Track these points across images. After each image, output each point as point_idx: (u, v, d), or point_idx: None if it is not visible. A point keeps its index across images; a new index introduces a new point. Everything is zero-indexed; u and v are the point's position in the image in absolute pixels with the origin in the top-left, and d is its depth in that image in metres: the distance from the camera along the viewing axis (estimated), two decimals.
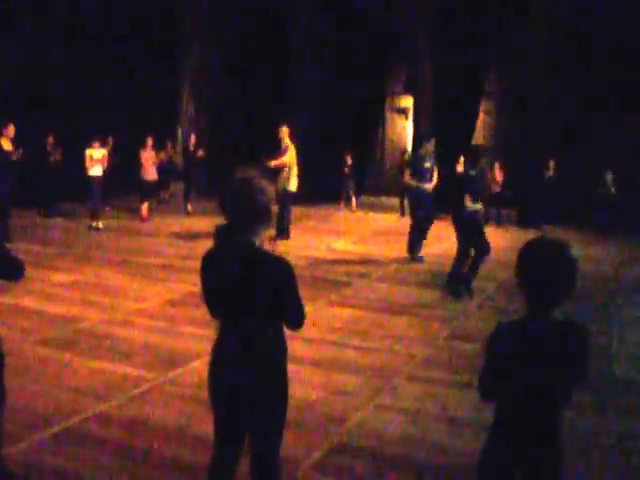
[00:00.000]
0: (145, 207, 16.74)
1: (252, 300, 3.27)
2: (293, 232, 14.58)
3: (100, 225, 14.81)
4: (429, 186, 12.06)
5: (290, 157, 13.89)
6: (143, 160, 16.78)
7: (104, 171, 15.19)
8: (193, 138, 19.26)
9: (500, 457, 3.08)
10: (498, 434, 3.07)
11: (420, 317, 8.56)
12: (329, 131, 21.73)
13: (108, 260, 11.43)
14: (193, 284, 9.02)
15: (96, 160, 14.98)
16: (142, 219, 16.53)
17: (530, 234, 15.88)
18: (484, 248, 9.80)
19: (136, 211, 16.97)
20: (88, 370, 6.30)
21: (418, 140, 11.22)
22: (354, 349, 7.20)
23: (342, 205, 21.16)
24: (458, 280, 9.88)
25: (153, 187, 17.64)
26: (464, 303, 9.34)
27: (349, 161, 20.78)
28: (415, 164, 11.78)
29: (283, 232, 14.07)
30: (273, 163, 13.64)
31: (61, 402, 5.54)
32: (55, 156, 16.85)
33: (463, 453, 4.85)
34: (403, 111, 24.77)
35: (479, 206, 9.90)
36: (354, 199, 21.08)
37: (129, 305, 8.62)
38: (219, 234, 3.31)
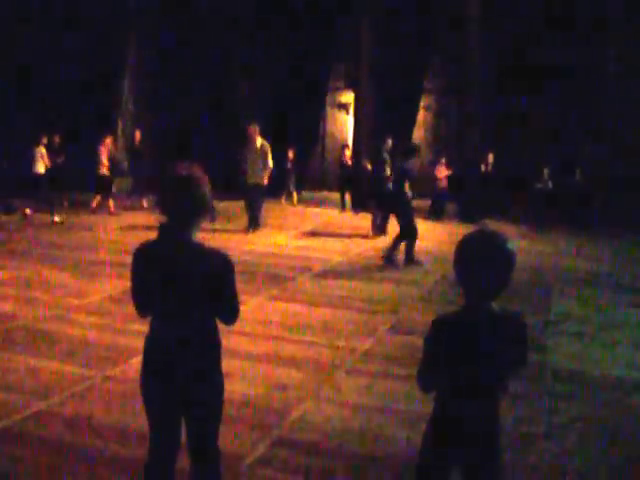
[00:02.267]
0: (111, 202, 16.99)
1: (190, 295, 3.27)
2: (232, 226, 14.73)
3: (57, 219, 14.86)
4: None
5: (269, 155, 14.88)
6: (102, 156, 16.81)
7: (46, 167, 15.18)
8: (138, 134, 19.26)
9: (439, 450, 3.12)
10: (436, 425, 3.12)
11: (361, 311, 8.62)
12: (271, 126, 21.70)
13: (47, 256, 11.26)
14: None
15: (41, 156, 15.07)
16: (110, 212, 16.78)
17: (470, 228, 16.17)
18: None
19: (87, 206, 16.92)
20: (26, 368, 6.20)
21: (405, 151, 11.91)
22: (295, 343, 7.22)
23: (283, 200, 21.17)
24: (412, 256, 11.68)
25: (108, 182, 17.52)
26: (405, 297, 9.43)
27: (291, 156, 20.79)
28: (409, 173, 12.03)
29: (254, 223, 14.84)
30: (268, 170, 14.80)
31: None
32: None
33: (404, 444, 4.91)
34: (344, 106, 24.88)
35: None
36: (295, 194, 21.12)
37: (68, 301, 8.51)
38: (163, 231, 3.30)
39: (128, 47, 22.41)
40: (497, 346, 2.97)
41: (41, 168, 15.28)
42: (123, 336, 7.20)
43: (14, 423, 5.08)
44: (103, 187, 16.92)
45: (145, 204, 18.36)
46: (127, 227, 14.76)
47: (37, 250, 11.77)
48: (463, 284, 3.00)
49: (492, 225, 16.26)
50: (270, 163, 14.85)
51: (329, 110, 25.35)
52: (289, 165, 20.82)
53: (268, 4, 22.58)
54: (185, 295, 3.27)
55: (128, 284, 9.21)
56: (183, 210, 3.25)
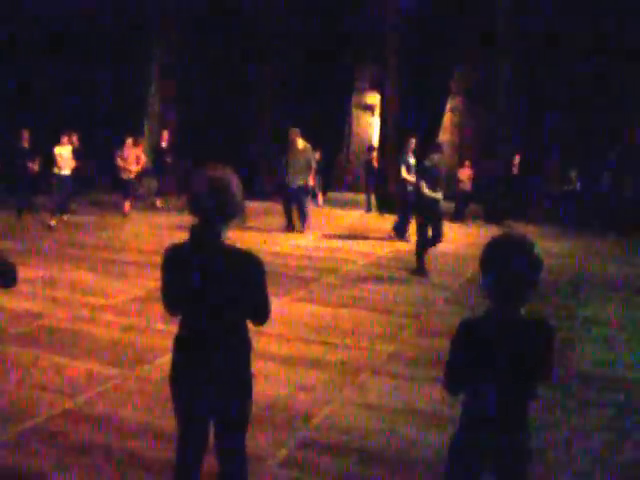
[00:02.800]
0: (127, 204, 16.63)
1: (221, 295, 3.27)
2: (261, 226, 14.80)
3: (53, 223, 14.29)
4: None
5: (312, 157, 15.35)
6: (122, 158, 16.60)
7: (72, 169, 15.03)
8: (165, 134, 19.19)
9: (468, 453, 3.11)
10: (466, 430, 3.10)
11: (386, 313, 8.61)
12: (296, 127, 21.74)
13: (73, 256, 11.34)
14: (158, 280, 8.98)
15: (65, 158, 14.82)
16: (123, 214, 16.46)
17: (494, 230, 16.07)
18: (438, 235, 11.00)
19: (116, 207, 16.86)
20: (53, 367, 6.25)
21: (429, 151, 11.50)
22: (320, 345, 7.22)
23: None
24: (422, 262, 11.03)
25: (133, 184, 17.40)
26: (430, 299, 9.41)
27: (317, 157, 20.76)
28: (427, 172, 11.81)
29: (302, 223, 15.20)
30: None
31: (26, 399, 5.50)
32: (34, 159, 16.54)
33: (430, 446, 4.90)
34: (369, 108, 24.86)
35: (439, 195, 10.99)
36: (321, 195, 21.10)
37: (95, 301, 8.56)
38: (194, 232, 3.32)
39: (154, 47, 22.48)
40: (524, 351, 2.95)
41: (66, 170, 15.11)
42: (148, 336, 7.24)
43: (42, 421, 5.12)
44: (127, 188, 16.85)
45: (159, 204, 18.41)
46: (150, 227, 14.82)
47: (62, 250, 11.84)
48: (489, 288, 2.98)
49: (516, 227, 16.19)
50: (313, 164, 15.26)
51: (354, 111, 25.35)
52: (315, 166, 20.77)
53: (293, 4, 22.63)
54: (216, 296, 3.28)
55: (153, 284, 9.32)
56: (214, 211, 3.26)
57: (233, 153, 18.54)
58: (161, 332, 7.16)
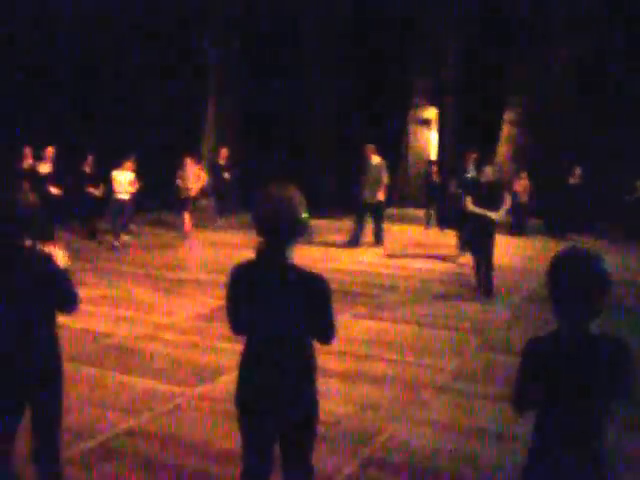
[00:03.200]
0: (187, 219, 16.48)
1: (288, 315, 3.27)
2: (321, 243, 14.82)
3: (116, 243, 14.51)
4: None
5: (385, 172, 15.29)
6: (183, 178, 16.41)
7: (132, 193, 15.23)
8: (224, 152, 19.11)
9: (543, 476, 3.01)
10: (538, 452, 3.01)
11: (449, 329, 8.51)
12: (353, 142, 21.79)
13: (135, 275, 11.48)
14: (221, 298, 9.03)
15: (124, 184, 15.00)
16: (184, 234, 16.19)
17: (555, 243, 15.81)
18: (485, 256, 10.42)
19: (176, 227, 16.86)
20: (117, 385, 6.32)
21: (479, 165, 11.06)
22: (382, 362, 7.16)
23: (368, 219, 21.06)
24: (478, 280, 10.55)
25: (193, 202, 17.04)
26: (494, 315, 9.27)
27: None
28: (469, 187, 11.58)
29: (379, 240, 15.36)
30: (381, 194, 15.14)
31: (91, 417, 5.56)
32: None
33: (495, 466, 4.81)
34: (427, 122, 24.74)
35: (489, 212, 10.29)
36: None
37: (157, 320, 8.64)
38: (260, 252, 3.31)
39: (211, 66, 22.70)
40: (596, 371, 2.85)
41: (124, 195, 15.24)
42: (211, 354, 7.27)
43: (107, 439, 5.17)
44: (186, 206, 16.70)
45: (219, 222, 18.43)
46: (211, 245, 14.92)
47: (125, 269, 12.00)
48: (558, 305, 2.90)
49: (579, 240, 15.89)
50: (385, 179, 15.20)
51: (411, 126, 25.23)
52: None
53: (351, 20, 22.71)
54: (283, 315, 3.27)
55: (214, 302, 9.35)
56: (281, 231, 3.26)
57: (293, 169, 18.57)
58: (224, 350, 7.18)
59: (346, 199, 18.09)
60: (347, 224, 19.28)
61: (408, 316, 9.11)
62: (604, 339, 2.88)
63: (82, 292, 9.71)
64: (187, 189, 16.34)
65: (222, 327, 7.77)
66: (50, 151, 14.75)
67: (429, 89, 23.75)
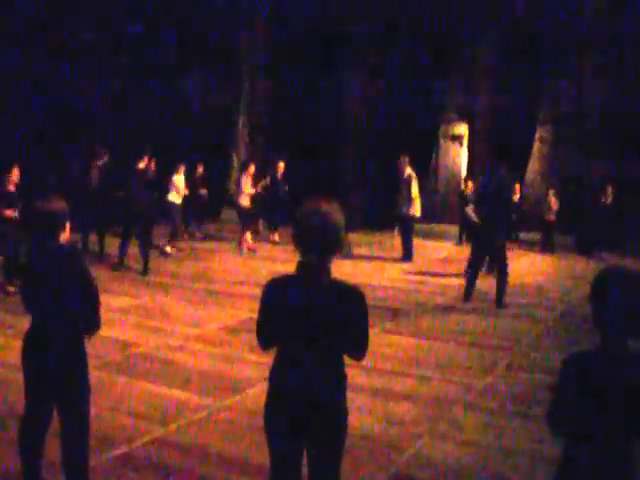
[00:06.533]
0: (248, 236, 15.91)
1: (324, 330, 3.27)
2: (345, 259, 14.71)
3: (168, 249, 14.84)
4: None
5: (414, 186, 15.11)
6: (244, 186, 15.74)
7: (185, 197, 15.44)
8: (281, 166, 17.91)
9: None
10: (568, 471, 2.98)
11: (478, 346, 8.45)
12: (384, 158, 21.79)
13: (164, 284, 11.54)
14: (249, 310, 9.05)
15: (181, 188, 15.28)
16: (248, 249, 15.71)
17: (585, 261, 15.69)
18: (495, 262, 11.10)
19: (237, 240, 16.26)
20: (146, 395, 6.34)
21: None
22: (410, 378, 7.13)
23: (396, 232, 21.01)
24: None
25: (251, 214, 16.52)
26: (523, 333, 9.20)
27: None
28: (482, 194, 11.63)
29: (409, 255, 15.35)
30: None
31: (119, 426, 5.58)
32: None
33: None
34: (457, 138, 24.67)
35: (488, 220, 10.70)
36: None
37: (186, 330, 8.67)
38: (302, 267, 3.32)
39: (242, 79, 22.83)
40: (632, 391, 2.81)
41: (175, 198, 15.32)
42: (239, 366, 7.28)
43: (135, 448, 5.19)
44: (247, 219, 15.94)
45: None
46: (245, 258, 14.95)
47: (154, 279, 12.06)
48: (600, 325, 2.88)
49: (610, 259, 15.75)
50: (413, 193, 14.99)
51: (442, 142, 25.18)
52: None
53: (380, 34, 22.74)
54: (318, 330, 3.27)
55: (244, 314, 9.34)
56: (322, 247, 3.27)
57: (326, 184, 18.53)
58: (252, 363, 7.20)
59: (377, 213, 18.04)
60: (377, 237, 19.28)
61: (436, 332, 9.06)
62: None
63: (111, 301, 9.81)
64: (247, 199, 15.76)
65: (250, 339, 7.81)
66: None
67: (460, 105, 23.71)
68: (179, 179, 15.29)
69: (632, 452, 2.91)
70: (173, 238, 15.17)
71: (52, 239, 3.97)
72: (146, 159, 13.31)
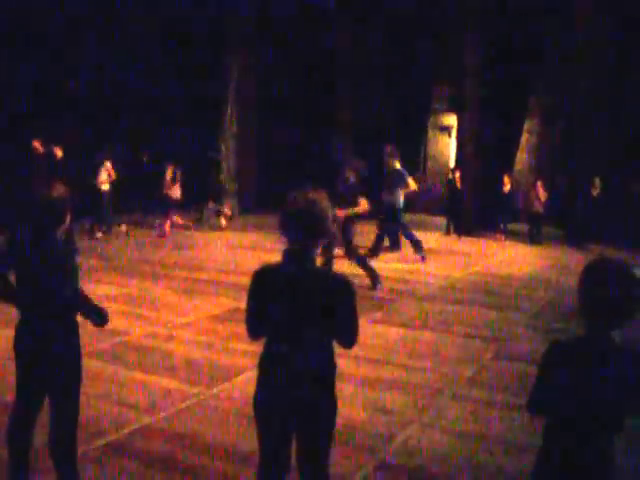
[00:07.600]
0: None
1: (311, 317, 3.28)
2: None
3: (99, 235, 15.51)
4: None
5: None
6: None
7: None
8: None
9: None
10: (547, 459, 3.01)
11: (464, 336, 8.48)
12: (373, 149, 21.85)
13: (152, 274, 11.53)
14: (236, 299, 9.06)
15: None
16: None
17: (573, 253, 15.76)
18: None
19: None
20: (133, 383, 6.34)
21: None
22: (397, 367, 7.15)
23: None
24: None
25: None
26: (510, 322, 9.24)
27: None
28: None
29: (396, 245, 15.43)
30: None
31: (108, 414, 5.58)
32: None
33: (507, 474, 4.80)
34: (446, 129, 24.70)
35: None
36: None
37: (173, 319, 8.67)
38: (285, 254, 3.33)
39: (231, 70, 22.72)
40: (614, 381, 2.84)
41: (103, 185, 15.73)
42: (227, 355, 7.29)
43: (122, 436, 5.19)
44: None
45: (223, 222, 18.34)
46: (230, 246, 14.96)
47: (141, 267, 12.05)
48: (587, 314, 2.90)
49: (599, 250, 15.82)
50: (405, 184, 14.65)
51: (431, 132, 25.22)
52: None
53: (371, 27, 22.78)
54: (306, 317, 3.28)
55: (231, 303, 9.33)
56: (308, 234, 3.28)
57: (315, 174, 18.57)
58: (240, 351, 7.21)
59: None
60: (365, 227, 19.30)
61: (424, 322, 9.09)
62: (627, 351, 2.88)
63: (98, 290, 9.78)
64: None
65: (237, 328, 7.82)
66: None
67: (449, 95, 23.72)
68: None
69: (612, 439, 2.95)
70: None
71: (52, 229, 3.96)
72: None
